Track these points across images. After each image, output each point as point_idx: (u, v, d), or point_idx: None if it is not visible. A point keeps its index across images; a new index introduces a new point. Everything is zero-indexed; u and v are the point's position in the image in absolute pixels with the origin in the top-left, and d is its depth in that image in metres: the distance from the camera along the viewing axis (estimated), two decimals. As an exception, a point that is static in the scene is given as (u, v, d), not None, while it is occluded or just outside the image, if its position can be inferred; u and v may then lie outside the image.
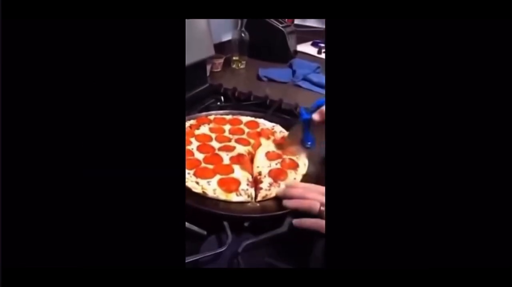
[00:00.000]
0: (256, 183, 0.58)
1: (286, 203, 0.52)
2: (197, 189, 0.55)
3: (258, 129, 0.76)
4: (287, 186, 0.57)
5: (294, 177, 0.61)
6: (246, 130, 0.75)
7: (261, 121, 0.80)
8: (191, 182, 0.56)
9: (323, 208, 0.48)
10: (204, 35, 0.93)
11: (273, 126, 0.78)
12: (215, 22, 1.06)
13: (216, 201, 0.54)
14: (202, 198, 0.55)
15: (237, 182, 0.57)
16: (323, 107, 0.58)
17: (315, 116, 0.59)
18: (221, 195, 0.55)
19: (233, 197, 0.55)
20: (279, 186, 0.57)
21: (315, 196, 0.51)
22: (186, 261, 0.42)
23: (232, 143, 0.69)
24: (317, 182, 0.56)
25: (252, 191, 0.56)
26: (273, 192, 0.56)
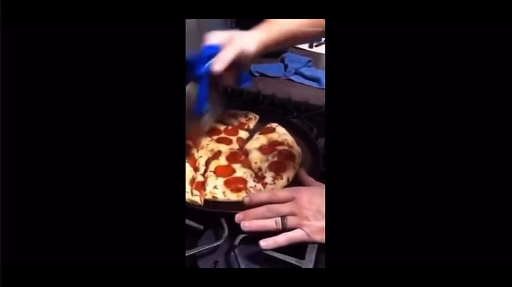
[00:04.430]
0: (258, 179, 0.59)
1: (245, 226, 0.45)
2: (206, 196, 0.54)
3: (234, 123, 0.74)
4: (250, 200, 0.49)
5: (294, 166, 0.61)
6: (222, 127, 0.72)
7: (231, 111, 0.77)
8: (196, 191, 0.55)
9: (284, 220, 0.45)
10: (193, 33, 0.92)
11: (246, 113, 0.77)
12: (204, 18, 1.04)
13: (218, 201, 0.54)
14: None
15: (243, 180, 0.57)
16: (222, 54, 0.43)
17: (216, 66, 0.44)
18: (232, 196, 0.54)
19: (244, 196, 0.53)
20: (281, 178, 0.58)
21: (277, 210, 0.47)
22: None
23: (214, 144, 0.67)
24: (311, 171, 0.57)
25: (260, 186, 0.56)
26: (278, 185, 0.57)
